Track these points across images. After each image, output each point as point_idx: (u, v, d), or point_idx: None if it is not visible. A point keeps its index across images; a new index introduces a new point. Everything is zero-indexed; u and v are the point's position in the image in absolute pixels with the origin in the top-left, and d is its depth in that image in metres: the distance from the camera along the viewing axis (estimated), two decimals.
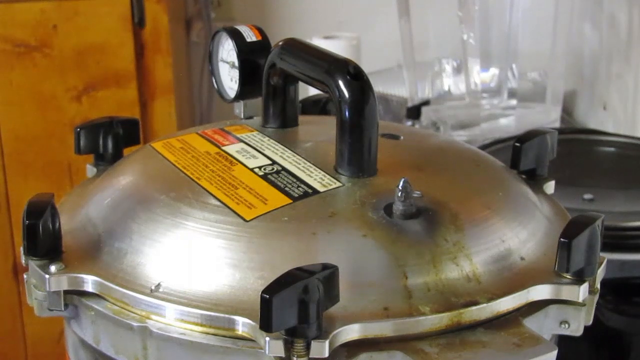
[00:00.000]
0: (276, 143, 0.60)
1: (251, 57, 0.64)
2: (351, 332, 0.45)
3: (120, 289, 0.49)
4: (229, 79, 0.66)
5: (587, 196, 0.98)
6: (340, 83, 0.53)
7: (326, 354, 0.44)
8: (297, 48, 0.59)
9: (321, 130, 0.62)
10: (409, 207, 0.50)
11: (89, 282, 0.50)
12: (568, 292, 0.49)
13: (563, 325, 0.50)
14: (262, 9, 1.96)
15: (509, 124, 1.45)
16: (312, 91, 0.61)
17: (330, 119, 0.58)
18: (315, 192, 0.53)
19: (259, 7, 1.96)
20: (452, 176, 0.58)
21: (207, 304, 0.47)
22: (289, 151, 0.58)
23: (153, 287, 0.49)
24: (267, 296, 0.42)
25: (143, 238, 0.51)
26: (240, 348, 0.46)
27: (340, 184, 0.53)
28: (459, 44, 1.44)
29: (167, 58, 1.56)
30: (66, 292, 0.51)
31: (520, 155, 0.62)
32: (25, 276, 0.53)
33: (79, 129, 0.65)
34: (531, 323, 0.49)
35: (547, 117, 1.46)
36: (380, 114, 0.72)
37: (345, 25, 1.83)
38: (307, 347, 0.43)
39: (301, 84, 0.61)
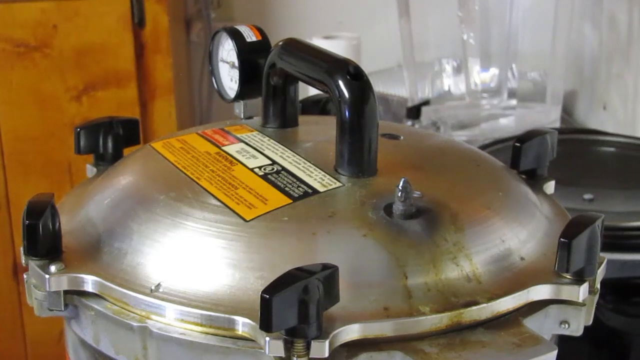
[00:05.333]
0: (276, 143, 0.60)
1: (251, 57, 0.64)
2: (351, 332, 0.45)
3: (120, 289, 0.49)
4: (229, 79, 0.66)
5: (587, 196, 0.98)
6: (340, 83, 0.53)
7: (326, 354, 0.44)
8: (297, 48, 0.59)
9: (321, 130, 0.62)
10: (409, 207, 0.50)
11: (89, 282, 0.50)
12: (568, 292, 0.49)
13: (563, 325, 0.50)
14: (262, 9, 1.96)
15: (509, 124, 1.45)
16: (312, 91, 0.61)
17: (330, 119, 0.58)
18: (315, 192, 0.53)
19: (259, 7, 1.96)
20: (452, 176, 0.58)
21: (207, 304, 0.47)
22: (289, 151, 0.58)
23: (153, 287, 0.49)
24: (267, 296, 0.42)
25: (143, 238, 0.51)
26: (240, 348, 0.46)
27: (340, 184, 0.53)
28: (459, 44, 1.44)
29: (167, 58, 1.56)
30: (66, 292, 0.51)
31: (520, 155, 0.62)
32: (25, 276, 0.53)
33: (79, 129, 0.65)
34: (531, 323, 0.49)
35: (547, 117, 1.47)
36: (380, 114, 0.72)
37: (345, 25, 1.83)
38: (307, 347, 0.43)
39: (301, 84, 0.61)
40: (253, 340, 0.45)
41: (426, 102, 1.45)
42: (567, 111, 1.58)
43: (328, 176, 0.54)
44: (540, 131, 0.63)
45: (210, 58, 0.67)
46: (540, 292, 0.49)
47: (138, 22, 1.53)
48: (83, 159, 0.66)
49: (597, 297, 0.51)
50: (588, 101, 1.61)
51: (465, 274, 0.49)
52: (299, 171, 0.55)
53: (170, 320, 0.48)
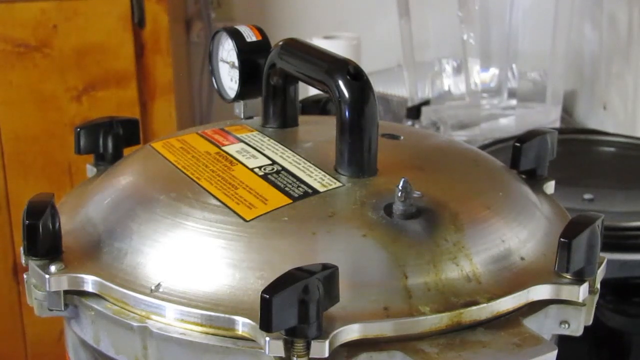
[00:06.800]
0: (276, 143, 0.60)
1: (251, 57, 0.64)
2: (351, 332, 0.45)
3: (120, 289, 0.49)
4: (229, 79, 0.66)
5: (587, 196, 0.98)
6: (340, 83, 0.53)
7: (326, 354, 0.44)
8: (297, 48, 0.59)
9: (321, 130, 0.62)
10: (409, 207, 0.50)
11: (89, 282, 0.50)
12: (568, 292, 0.49)
13: (563, 325, 0.50)
14: (262, 9, 1.96)
15: (509, 124, 1.45)
16: (312, 91, 0.61)
17: (330, 119, 0.58)
18: (315, 192, 0.53)
19: (259, 7, 1.96)
20: (452, 176, 0.58)
21: (207, 304, 0.47)
22: (289, 151, 0.58)
23: (153, 287, 0.49)
24: (267, 296, 0.42)
25: (143, 238, 0.51)
26: (240, 348, 0.46)
27: (340, 184, 0.53)
28: (459, 44, 1.44)
29: (167, 58, 1.56)
30: (66, 292, 0.51)
31: (520, 155, 0.62)
32: (25, 276, 0.53)
33: (79, 129, 0.65)
34: (531, 323, 0.49)
35: (547, 117, 1.47)
36: (380, 114, 0.72)
37: (345, 25, 1.83)
38: (307, 347, 0.43)
39: (301, 84, 0.61)
40: (253, 340, 0.45)
41: (426, 102, 1.45)
42: (567, 111, 1.58)
43: (328, 176, 0.54)
44: (540, 131, 0.63)
45: (210, 58, 0.67)
46: (540, 292, 0.49)
47: (138, 22, 1.53)
48: (83, 159, 0.66)
49: (597, 297, 0.51)
50: (588, 101, 1.61)
51: (465, 274, 0.49)
52: (299, 171, 0.55)
53: (170, 320, 0.48)
